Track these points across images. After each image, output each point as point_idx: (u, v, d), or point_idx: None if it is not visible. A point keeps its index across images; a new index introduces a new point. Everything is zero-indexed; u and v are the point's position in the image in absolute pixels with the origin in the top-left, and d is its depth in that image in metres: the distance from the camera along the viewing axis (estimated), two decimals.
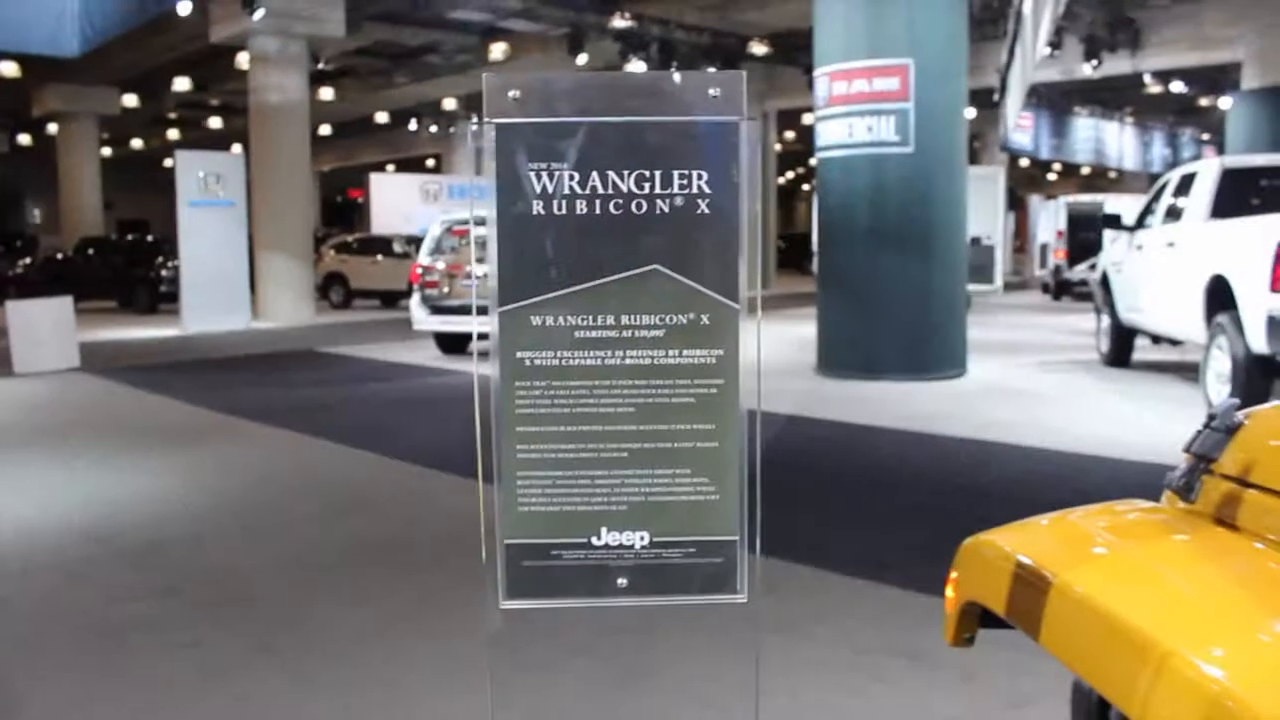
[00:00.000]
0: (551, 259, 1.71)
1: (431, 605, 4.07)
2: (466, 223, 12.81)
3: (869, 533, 5.02)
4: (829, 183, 10.49)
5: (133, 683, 3.37)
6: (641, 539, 1.76)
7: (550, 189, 1.69)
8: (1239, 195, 8.79)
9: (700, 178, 1.69)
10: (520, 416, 1.74)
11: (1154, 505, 1.46)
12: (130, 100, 29.78)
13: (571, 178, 1.69)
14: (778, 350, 11.80)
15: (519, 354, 1.74)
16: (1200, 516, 1.30)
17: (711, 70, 20.36)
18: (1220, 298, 7.82)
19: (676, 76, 1.66)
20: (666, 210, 1.70)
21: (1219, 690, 0.84)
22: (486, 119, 1.66)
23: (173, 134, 37.41)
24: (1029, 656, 3.29)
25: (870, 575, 4.30)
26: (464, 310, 12.34)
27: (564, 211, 1.70)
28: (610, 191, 1.69)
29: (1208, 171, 9.11)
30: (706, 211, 1.70)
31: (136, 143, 39.53)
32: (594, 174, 1.69)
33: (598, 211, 1.69)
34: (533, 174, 1.69)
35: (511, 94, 1.71)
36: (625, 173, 1.69)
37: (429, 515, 5.51)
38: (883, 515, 5.36)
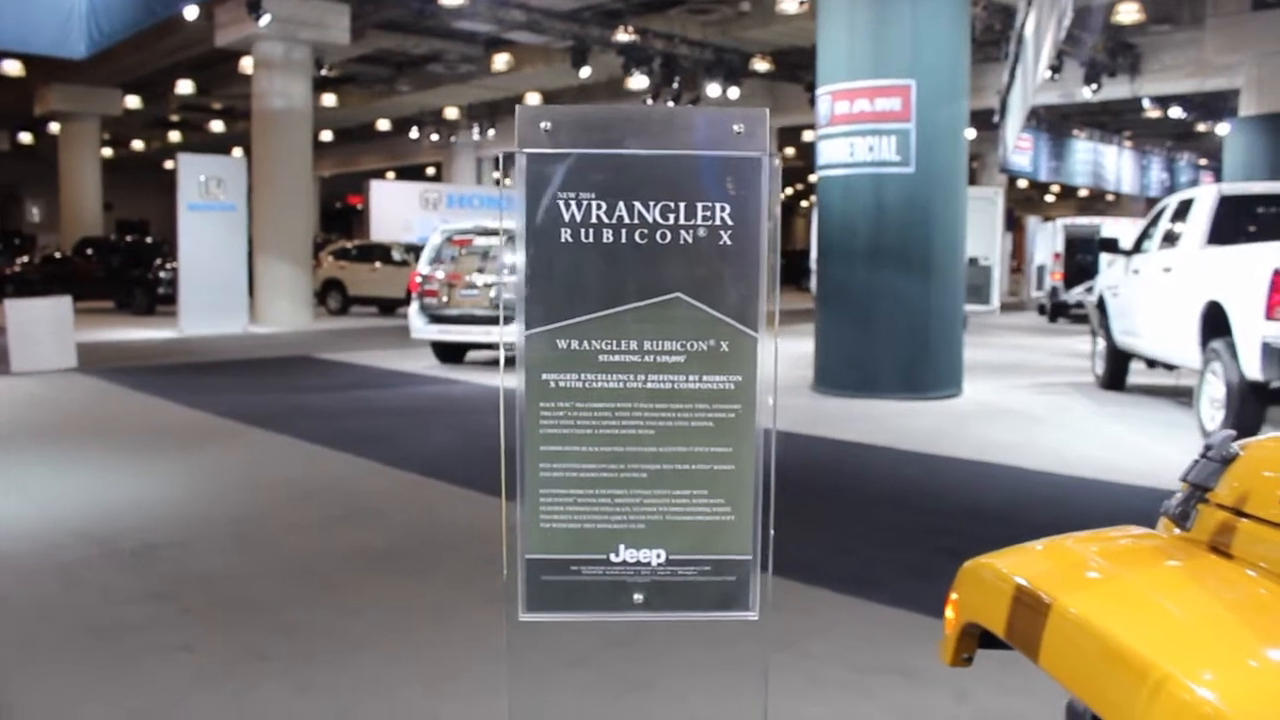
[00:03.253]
0: (577, 285, 1.77)
1: (429, 614, 4.09)
2: (467, 233, 12.85)
3: (864, 551, 5.05)
4: (829, 201, 10.54)
5: (127, 685, 3.39)
6: (658, 557, 1.82)
7: (578, 217, 1.75)
8: (1236, 222, 8.85)
9: (723, 210, 1.75)
10: (544, 436, 1.79)
11: (1150, 532, 1.50)
12: (133, 101, 29.85)
13: (599, 207, 1.74)
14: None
15: (544, 375, 1.78)
16: (1195, 544, 1.33)
17: (728, 98, 20.47)
18: (1216, 324, 7.87)
19: (702, 112, 1.72)
20: (690, 241, 1.76)
21: (1212, 713, 0.87)
22: (518, 149, 1.71)
23: (174, 136, 37.48)
24: (1022, 678, 3.33)
25: (865, 594, 4.33)
26: (463, 320, 12.38)
27: (591, 239, 1.76)
28: (636, 221, 1.75)
29: (1205, 198, 9.17)
30: (728, 243, 1.76)
31: (138, 144, 39.59)
32: (620, 204, 1.74)
33: (623, 240, 1.76)
34: (561, 203, 1.75)
35: (543, 125, 1.75)
36: (651, 203, 1.75)
37: (426, 523, 5.53)
38: (878, 534, 5.39)
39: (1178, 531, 1.42)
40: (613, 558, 1.82)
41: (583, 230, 1.76)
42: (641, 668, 3.52)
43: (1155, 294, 9.40)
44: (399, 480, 6.52)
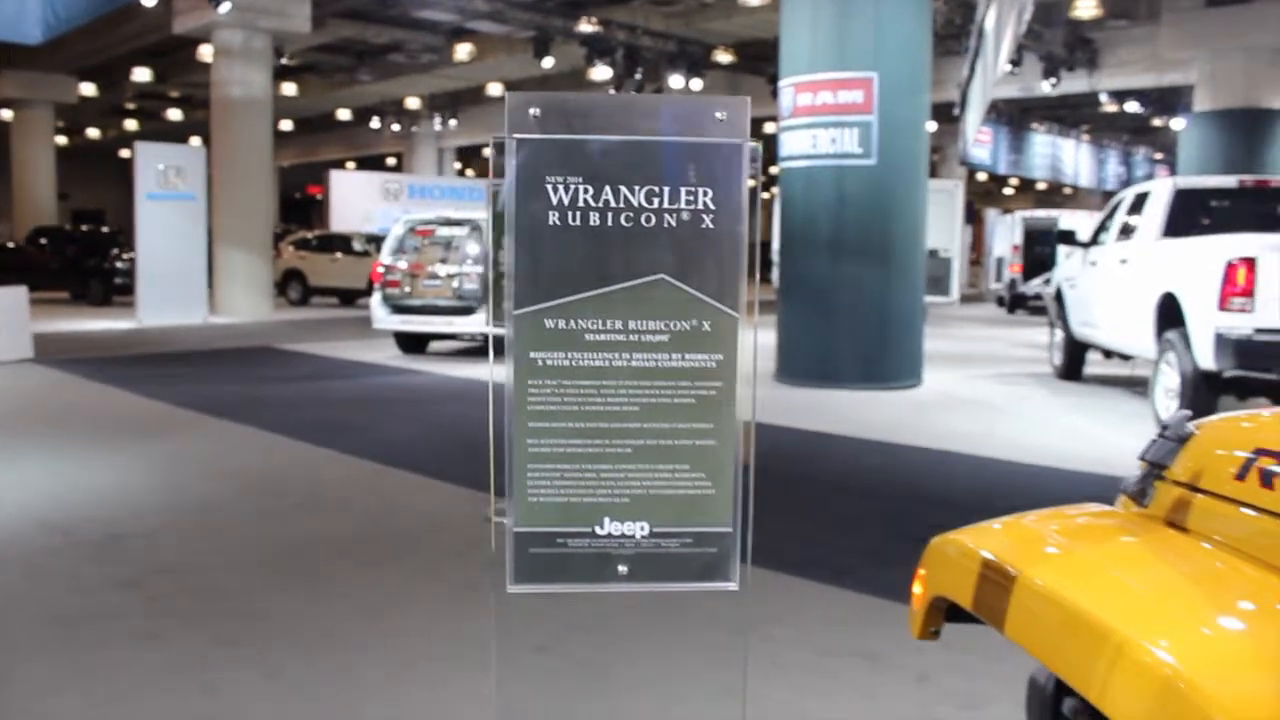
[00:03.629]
0: (565, 267, 1.82)
1: (396, 601, 4.10)
2: (430, 223, 12.81)
3: (827, 538, 5.11)
4: (792, 193, 10.61)
5: (96, 674, 3.38)
6: (642, 529, 1.88)
7: (565, 201, 1.79)
8: (1190, 215, 9.00)
9: (705, 195, 1.81)
10: (532, 413, 1.84)
11: (1109, 509, 1.55)
12: (88, 89, 29.41)
13: (585, 191, 1.79)
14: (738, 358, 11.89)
15: (532, 354, 1.83)
16: (1153, 519, 1.38)
17: (690, 88, 20.57)
18: (1170, 315, 8.02)
19: (685, 100, 1.77)
20: (673, 224, 1.81)
21: (1170, 673, 0.91)
22: (508, 134, 1.76)
23: (131, 125, 36.95)
24: (983, 660, 3.40)
25: (829, 579, 4.38)
26: (425, 310, 12.34)
27: (578, 222, 1.81)
28: (621, 205, 1.80)
29: (1161, 191, 9.32)
30: (710, 226, 1.82)
31: (93, 132, 39.02)
32: (606, 188, 1.80)
33: (609, 223, 1.81)
34: (549, 187, 1.79)
35: (532, 111, 1.80)
36: (636, 188, 1.80)
37: (389, 513, 5.53)
38: (840, 521, 5.45)
39: (1136, 508, 1.47)
40: (598, 530, 1.88)
41: (570, 213, 1.81)
42: (618, 650, 3.55)
43: (1112, 285, 9.54)
44: (363, 470, 6.51)
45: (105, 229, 26.21)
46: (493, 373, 1.89)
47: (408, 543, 4.96)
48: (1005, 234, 25.04)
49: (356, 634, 3.75)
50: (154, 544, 4.87)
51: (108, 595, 4.14)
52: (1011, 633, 1.23)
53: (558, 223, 1.81)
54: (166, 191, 17.59)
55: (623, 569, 1.89)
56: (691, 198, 1.81)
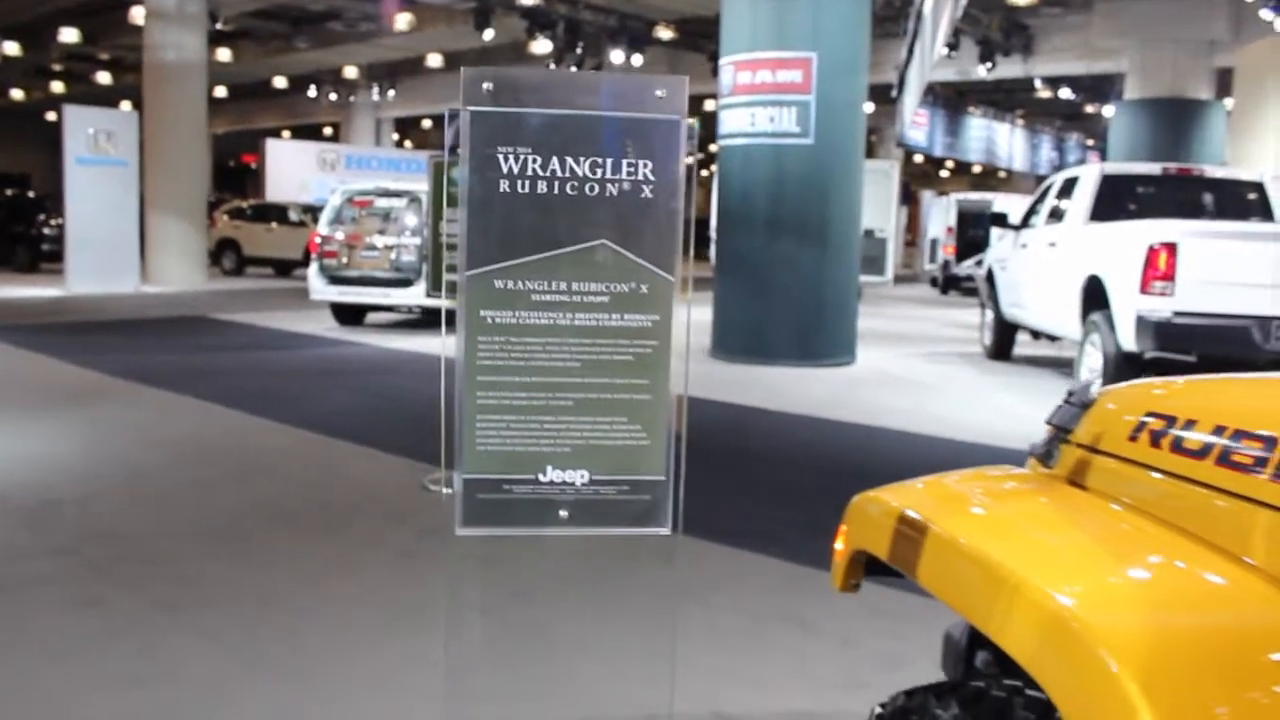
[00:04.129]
0: (513, 231, 1.94)
1: (332, 567, 4.14)
2: (368, 194, 12.72)
3: (758, 509, 5.23)
4: (729, 171, 10.71)
5: (35, 639, 3.39)
6: (582, 477, 2.02)
7: (515, 170, 1.91)
8: (1117, 200, 9.26)
9: (645, 166, 1.94)
10: (481, 367, 1.96)
11: (1019, 470, 1.66)
12: (11, 48, 28.57)
13: (534, 161, 1.91)
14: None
15: (482, 312, 1.95)
16: (1056, 478, 1.49)
17: (631, 64, 20.56)
18: (1095, 297, 8.26)
19: (628, 78, 1.87)
20: (615, 193, 1.95)
21: (1059, 609, 1.02)
22: (463, 106, 1.86)
23: (57, 87, 35.98)
24: (903, 624, 3.54)
25: (760, 549, 4.50)
26: (363, 281, 12.28)
27: (526, 190, 1.93)
28: (567, 175, 1.92)
29: (1089, 177, 9.57)
30: (649, 196, 1.96)
31: (17, 94, 37.93)
32: (554, 158, 1.92)
33: (555, 191, 1.93)
34: (500, 156, 1.90)
35: (485, 85, 1.90)
36: (580, 159, 1.92)
37: (328, 481, 5.56)
38: (772, 493, 5.58)
39: (1042, 469, 1.58)
40: (541, 477, 2.01)
41: (519, 182, 1.93)
42: (558, 613, 3.64)
43: (1040, 268, 9.79)
44: (300, 439, 6.51)
45: (31, 194, 25.59)
46: (444, 344, 1.98)
47: (345, 511, 4.99)
48: (940, 216, 25.39)
49: (296, 599, 3.79)
50: (89, 511, 4.85)
51: (45, 561, 4.14)
52: (922, 579, 1.33)
53: (507, 190, 1.92)
54: (97, 156, 17.23)
55: (564, 514, 2.02)
56: (632, 169, 1.93)
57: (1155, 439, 1.27)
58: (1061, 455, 1.50)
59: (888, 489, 1.58)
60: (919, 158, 38.84)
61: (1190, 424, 1.23)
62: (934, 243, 25.79)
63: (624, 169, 1.93)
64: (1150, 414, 1.31)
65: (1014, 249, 10.75)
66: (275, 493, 5.27)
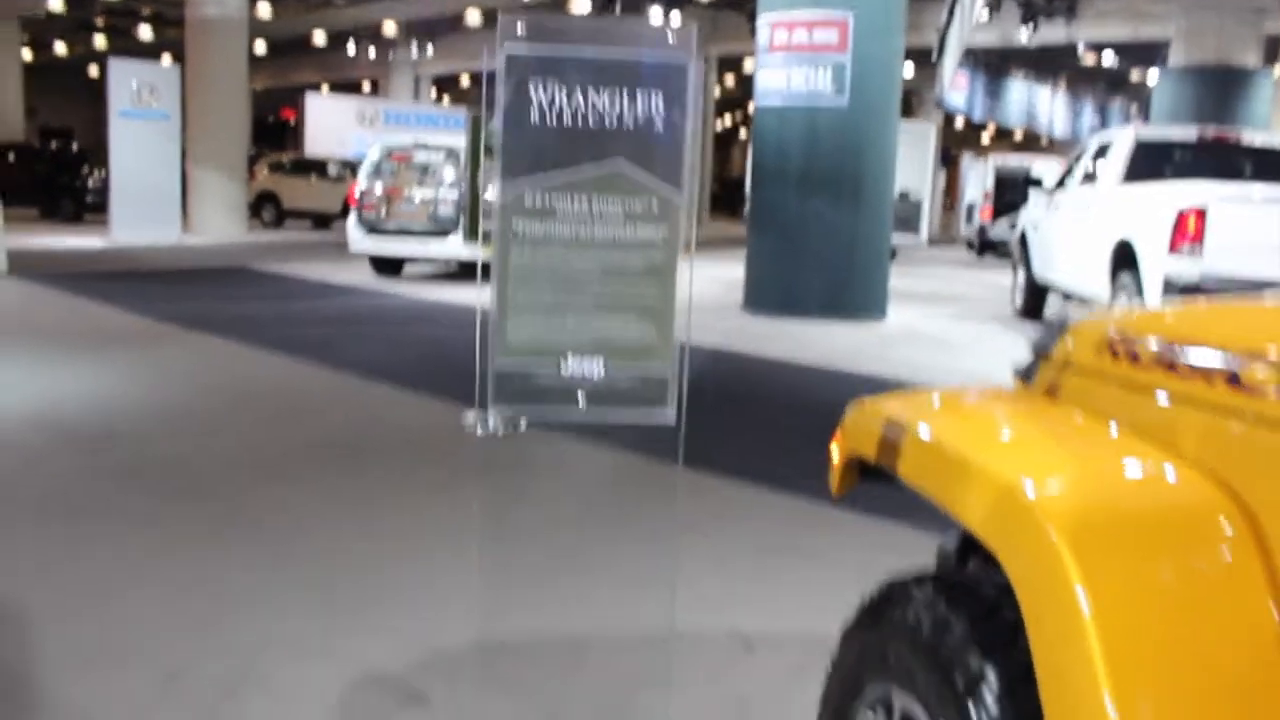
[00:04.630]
0: (543, 154, 2.27)
1: (373, 494, 4.36)
2: (407, 148, 12.91)
3: (778, 453, 5.40)
4: (764, 128, 10.80)
5: (96, 550, 3.63)
6: (599, 368, 2.34)
7: (545, 102, 2.25)
8: (1151, 165, 9.27)
9: (657, 99, 2.28)
10: (514, 270, 2.30)
11: (1004, 388, 1.83)
12: (56, 3, 28.90)
13: (561, 93, 2.25)
14: (707, 289, 12.13)
15: (515, 222, 2.29)
16: (1034, 394, 1.66)
17: (670, 23, 20.72)
18: (1125, 260, 8.32)
19: (645, 25, 2.15)
20: (630, 123, 2.28)
21: (1015, 489, 1.18)
22: (500, 48, 2.21)
23: (99, 41, 36.34)
24: (919, 558, 3.69)
25: (776, 488, 4.67)
26: (401, 233, 12.49)
27: (554, 118, 2.26)
28: (589, 106, 2.26)
29: (1123, 140, 9.59)
30: (660, 126, 2.28)
31: (61, 49, 38.33)
32: (578, 91, 2.25)
33: (579, 121, 2.27)
34: (532, 89, 2.24)
35: (519, 29, 2.23)
36: (602, 91, 2.26)
37: (368, 421, 5.78)
38: (793, 439, 5.74)
39: (1023, 386, 1.74)
40: (563, 368, 2.33)
41: (548, 111, 2.25)
42: (581, 538, 3.84)
43: (1072, 230, 9.84)
44: (342, 382, 6.74)
45: (75, 146, 26.01)
46: (480, 295, 2.25)
47: (384, 447, 5.21)
48: (978, 179, 25.26)
49: (336, 523, 4.02)
50: (146, 443, 5.10)
51: (105, 484, 4.38)
52: (903, 473, 1.50)
53: (538, 120, 2.25)
54: (140, 110, 17.52)
55: (582, 400, 2.34)
56: (646, 102, 2.26)
57: (1114, 353, 1.43)
58: (1040, 373, 1.66)
59: (878, 398, 1.75)
60: (960, 122, 38.54)
61: (1143, 339, 1.38)
62: (970, 206, 25.68)
63: (639, 101, 2.24)
64: (1113, 333, 1.47)
65: (1047, 211, 10.79)
66: (319, 430, 5.50)
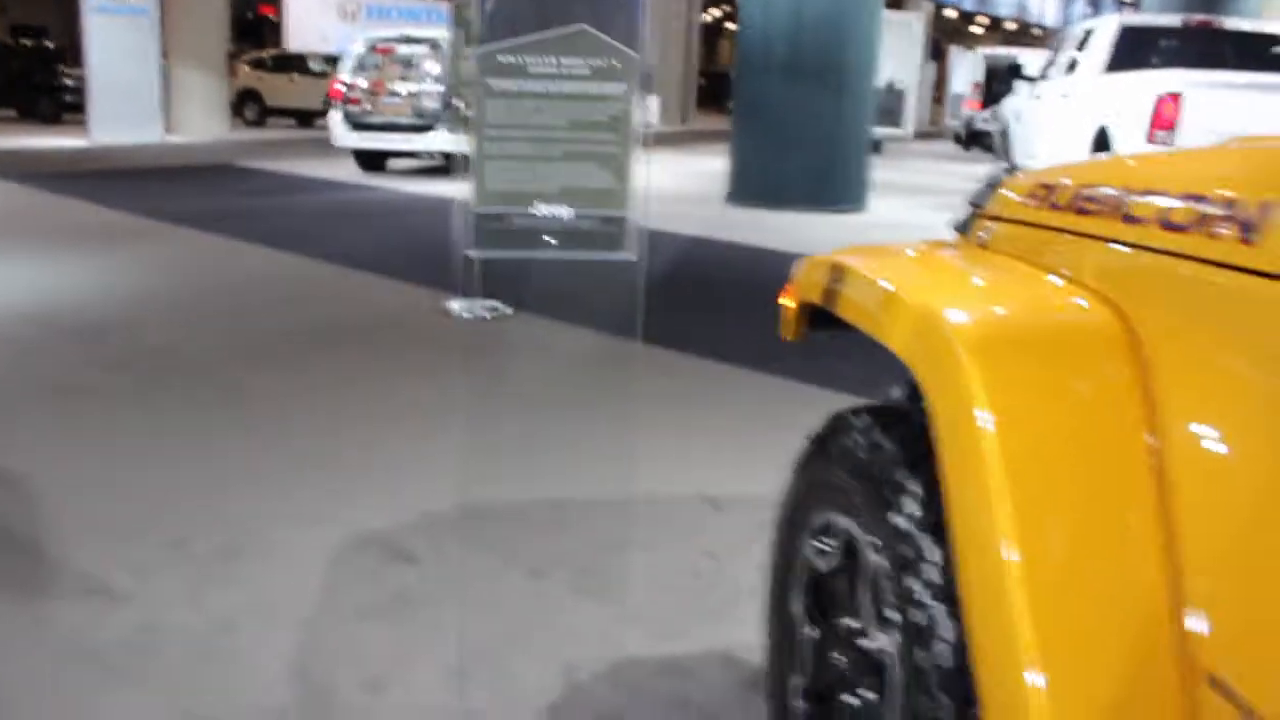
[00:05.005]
0: (515, 20, 2.54)
1: (359, 374, 4.50)
2: (391, 41, 12.79)
3: (758, 336, 5.53)
4: (750, 17, 10.75)
5: (90, 430, 3.79)
6: (566, 211, 2.60)
7: None
8: (1136, 52, 9.26)
9: None
10: (490, 124, 2.57)
11: (942, 240, 1.97)
12: None
13: None
14: (691, 181, 12.20)
15: (491, 80, 2.54)
16: (968, 245, 1.79)
17: None
18: (1103, 148, 8.38)
19: None
20: None
21: (932, 313, 1.33)
22: None
23: None
24: None
25: (757, 367, 4.83)
26: (385, 128, 12.44)
27: None
28: None
29: (1106, 27, 9.57)
30: None
31: None
32: None
33: None
34: None
35: None
36: None
37: (354, 307, 5.89)
38: (772, 324, 5.88)
39: (961, 239, 1.88)
40: (534, 211, 2.61)
41: None
42: (551, 413, 4.00)
43: (1053, 119, 9.87)
44: (327, 271, 6.85)
45: (49, 44, 25.54)
46: (459, 189, 2.50)
47: (369, 331, 5.33)
48: (966, 71, 25.08)
49: (324, 401, 4.17)
50: (135, 332, 5.23)
51: (96, 372, 4.52)
52: (841, 310, 1.64)
53: None
54: (116, 5, 17.19)
55: (552, 240, 2.62)
56: None
57: (1038, 201, 1.56)
58: (974, 226, 1.79)
59: (828, 254, 1.89)
60: (951, 13, 38.00)
61: (1062, 186, 1.51)
62: (958, 98, 25.53)
63: None
64: (1039, 184, 1.60)
65: (1030, 100, 10.80)
66: (309, 318, 5.62)
